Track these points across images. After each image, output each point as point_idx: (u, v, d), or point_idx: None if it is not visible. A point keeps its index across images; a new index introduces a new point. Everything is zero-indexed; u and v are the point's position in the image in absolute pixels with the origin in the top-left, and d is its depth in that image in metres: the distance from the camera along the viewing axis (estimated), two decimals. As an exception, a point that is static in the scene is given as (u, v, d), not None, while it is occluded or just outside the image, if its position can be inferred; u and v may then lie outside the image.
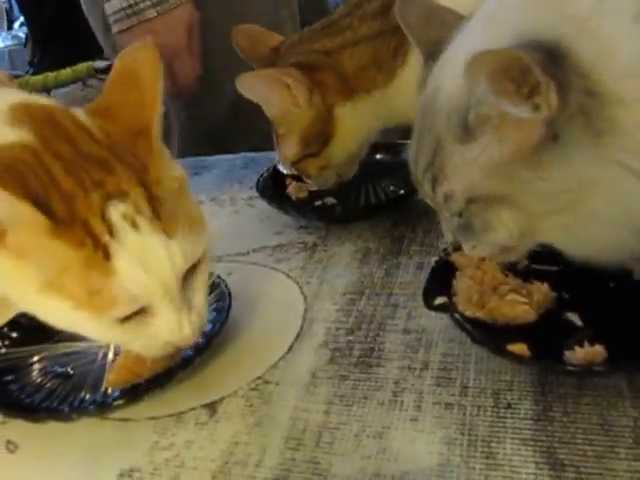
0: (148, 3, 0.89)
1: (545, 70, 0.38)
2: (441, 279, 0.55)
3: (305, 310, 0.62)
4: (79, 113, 0.50)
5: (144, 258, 0.44)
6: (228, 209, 0.88)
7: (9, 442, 0.53)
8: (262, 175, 0.85)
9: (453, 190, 0.46)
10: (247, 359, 0.57)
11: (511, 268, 0.54)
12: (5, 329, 0.60)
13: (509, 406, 0.47)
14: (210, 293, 0.56)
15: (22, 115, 0.47)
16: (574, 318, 0.51)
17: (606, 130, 0.39)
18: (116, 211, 0.44)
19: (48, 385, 0.55)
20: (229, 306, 0.58)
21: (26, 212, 0.42)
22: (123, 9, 0.89)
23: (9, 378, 0.55)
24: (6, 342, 0.59)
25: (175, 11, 0.92)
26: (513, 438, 0.44)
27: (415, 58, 0.65)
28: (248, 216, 0.84)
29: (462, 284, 0.53)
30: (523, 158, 0.41)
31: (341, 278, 0.66)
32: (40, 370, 0.57)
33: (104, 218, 0.43)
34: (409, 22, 0.52)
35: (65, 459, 0.50)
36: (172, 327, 0.47)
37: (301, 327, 0.60)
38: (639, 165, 0.40)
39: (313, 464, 0.45)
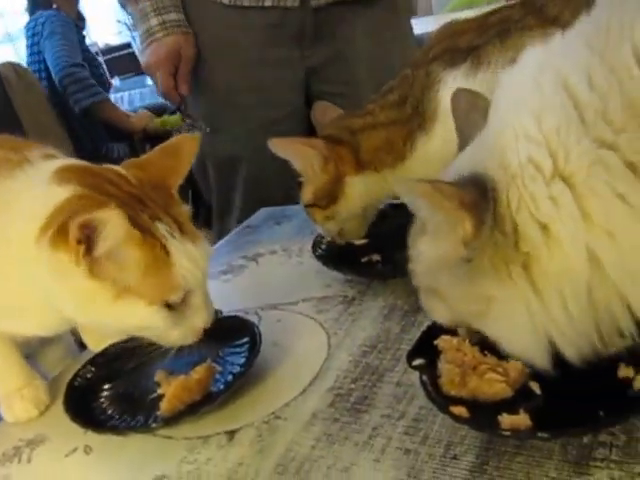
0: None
1: (464, 205, 0.49)
2: (428, 341, 0.65)
3: (325, 358, 0.74)
4: (116, 168, 0.70)
5: (187, 254, 0.64)
6: (295, 259, 1.02)
7: (87, 446, 0.70)
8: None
9: (414, 270, 0.57)
10: (267, 396, 0.70)
11: (489, 347, 0.63)
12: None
13: (455, 457, 0.56)
14: (243, 337, 0.72)
15: (66, 175, 0.66)
16: (534, 387, 0.59)
17: (515, 264, 0.50)
18: (160, 226, 0.63)
19: (113, 406, 0.72)
20: (257, 351, 0.71)
21: (127, 229, 0.60)
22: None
23: (89, 398, 0.73)
24: (92, 368, 0.77)
25: (165, 39, 1.24)
26: (447, 484, 0.54)
27: (422, 146, 0.77)
28: (309, 268, 0.97)
29: (444, 367, 0.61)
30: (447, 266, 0.52)
31: (364, 331, 0.78)
32: (111, 394, 0.74)
33: (156, 230, 0.63)
34: (457, 113, 0.62)
35: (120, 462, 0.67)
36: (203, 311, 0.67)
37: (317, 373, 0.72)
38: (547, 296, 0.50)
39: (290, 487, 0.57)
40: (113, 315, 0.63)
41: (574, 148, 0.48)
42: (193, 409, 0.66)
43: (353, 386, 0.68)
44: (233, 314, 0.82)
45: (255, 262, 1.05)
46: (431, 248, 0.53)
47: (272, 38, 1.26)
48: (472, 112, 0.60)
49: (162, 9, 1.24)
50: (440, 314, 0.58)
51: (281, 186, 1.24)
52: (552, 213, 0.49)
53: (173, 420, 0.66)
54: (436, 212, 0.52)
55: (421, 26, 1.68)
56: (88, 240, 0.59)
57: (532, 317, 0.52)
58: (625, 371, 0.56)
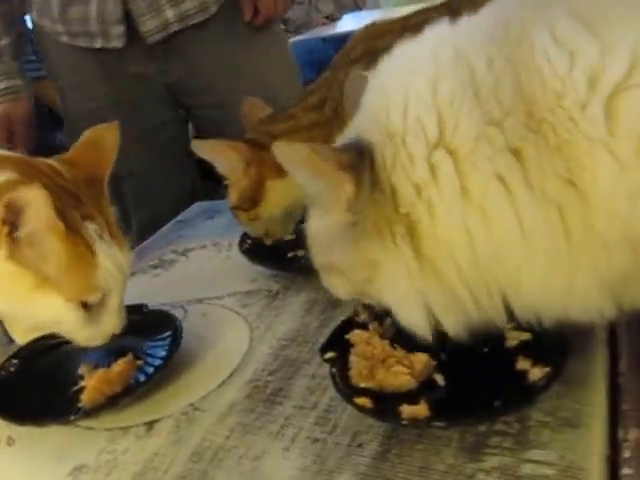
0: None
1: (344, 167, 0.51)
2: (341, 335, 0.68)
3: (246, 351, 0.77)
4: (52, 161, 0.70)
5: (112, 258, 0.65)
6: (224, 254, 1.04)
7: (9, 438, 0.71)
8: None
9: (313, 252, 0.61)
10: (187, 388, 0.72)
11: (399, 340, 0.65)
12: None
13: (360, 445, 0.59)
14: (166, 331, 0.73)
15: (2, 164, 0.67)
16: (439, 379, 0.63)
17: (394, 222, 0.52)
18: (91, 227, 0.64)
19: (36, 399, 0.73)
20: (178, 345, 0.73)
21: (49, 215, 0.60)
22: None
23: (12, 390, 0.74)
24: (16, 361, 0.78)
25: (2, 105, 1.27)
26: (351, 471, 0.57)
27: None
28: (237, 262, 0.99)
29: (354, 360, 0.63)
30: (336, 235, 0.54)
31: (284, 325, 0.81)
32: (34, 387, 0.75)
33: (85, 230, 0.63)
34: (352, 98, 0.63)
35: (42, 453, 0.68)
36: (116, 316, 0.67)
37: (238, 365, 0.74)
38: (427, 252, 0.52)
39: (203, 474, 0.60)
40: (29, 305, 0.64)
41: (464, 119, 0.49)
42: (113, 401, 0.68)
43: (270, 378, 0.71)
44: (158, 308, 0.83)
45: (185, 257, 1.07)
46: (320, 221, 0.56)
47: (124, 61, 1.31)
48: None
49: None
50: (340, 289, 0.60)
51: (171, 195, 1.33)
52: (428, 177, 0.50)
53: (93, 412, 0.67)
54: (316, 177, 0.53)
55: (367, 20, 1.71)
56: (12, 221, 0.61)
57: (413, 282, 0.53)
58: (523, 363, 0.60)
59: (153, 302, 0.88)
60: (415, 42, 0.56)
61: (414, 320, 0.56)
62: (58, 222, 0.62)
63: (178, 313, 0.85)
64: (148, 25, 1.25)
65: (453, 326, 0.56)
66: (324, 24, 3.96)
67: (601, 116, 0.45)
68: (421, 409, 0.57)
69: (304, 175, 0.55)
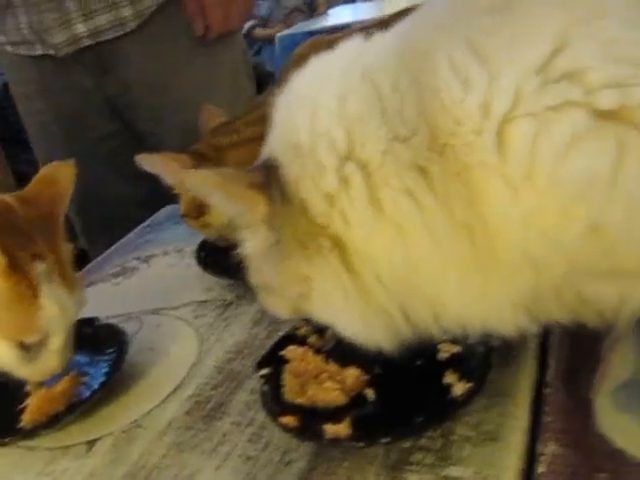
0: None
1: (253, 186, 0.52)
2: (279, 350, 0.69)
3: (193, 365, 0.77)
4: (6, 197, 0.70)
5: (58, 301, 0.64)
6: (186, 261, 1.05)
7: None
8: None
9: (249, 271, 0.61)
10: (132, 404, 0.73)
11: (334, 354, 0.66)
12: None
13: (289, 463, 0.60)
14: (113, 347, 0.75)
15: None
16: (370, 393, 0.63)
17: (317, 235, 0.52)
18: (39, 268, 0.63)
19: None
20: (121, 362, 0.74)
21: None
22: None
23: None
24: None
25: None
26: (277, 489, 0.58)
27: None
28: (197, 270, 0.99)
29: (287, 376, 0.64)
30: (263, 254, 0.55)
31: (232, 337, 0.81)
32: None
33: (33, 271, 0.63)
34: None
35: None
36: (55, 358, 0.67)
37: (182, 380, 0.75)
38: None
39: (135, 494, 0.61)
40: None
41: (372, 134, 0.49)
42: (53, 421, 0.68)
43: (213, 393, 0.72)
44: (108, 322, 0.84)
45: (147, 264, 1.08)
46: (249, 242, 0.57)
47: (61, 74, 1.31)
48: None
49: None
50: (278, 308, 0.60)
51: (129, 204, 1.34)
52: (339, 188, 0.50)
53: (31, 433, 0.68)
54: (230, 201, 0.54)
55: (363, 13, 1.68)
56: None
57: (347, 297, 0.53)
58: (450, 377, 0.61)
59: (110, 313, 0.89)
60: (326, 58, 0.57)
61: (353, 333, 0.56)
62: (1, 258, 0.62)
63: (133, 325, 0.87)
64: (57, 38, 1.24)
65: (388, 341, 0.56)
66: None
67: (493, 144, 0.45)
68: (343, 428, 0.57)
69: (219, 200, 0.55)
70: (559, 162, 0.43)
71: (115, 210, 1.38)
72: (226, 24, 1.29)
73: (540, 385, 0.61)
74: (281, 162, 0.53)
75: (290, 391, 0.64)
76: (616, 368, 0.59)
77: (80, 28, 1.23)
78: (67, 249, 0.71)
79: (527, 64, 0.44)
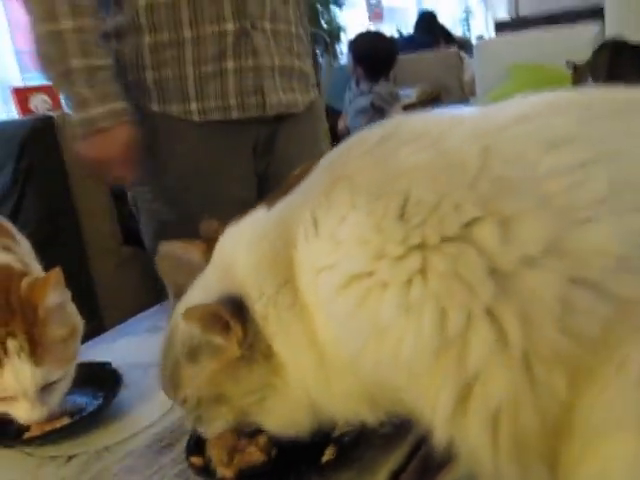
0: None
1: (232, 314, 0.65)
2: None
3: (167, 411, 0.97)
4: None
5: (18, 374, 0.84)
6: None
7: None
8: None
9: (186, 394, 0.72)
10: (108, 433, 0.93)
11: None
12: None
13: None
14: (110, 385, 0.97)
15: None
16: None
17: (265, 353, 0.67)
18: (11, 343, 0.85)
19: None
20: (111, 399, 0.96)
21: None
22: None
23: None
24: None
25: (114, 130, 1.21)
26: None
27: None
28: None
29: (212, 453, 0.75)
30: (226, 371, 0.68)
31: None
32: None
33: (5, 345, 0.84)
34: (163, 270, 0.81)
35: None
36: (24, 412, 0.86)
37: (153, 422, 0.94)
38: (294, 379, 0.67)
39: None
40: None
41: (263, 283, 0.66)
42: (47, 436, 0.90)
43: (169, 435, 0.91)
44: (114, 368, 1.05)
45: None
46: (209, 365, 0.68)
47: (232, 154, 1.39)
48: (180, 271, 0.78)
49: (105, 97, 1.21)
50: (219, 421, 0.72)
51: None
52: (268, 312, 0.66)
53: (29, 442, 0.90)
54: (208, 330, 0.66)
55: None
56: None
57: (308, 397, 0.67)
58: (330, 450, 0.75)
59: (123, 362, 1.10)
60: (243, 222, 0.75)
61: (283, 431, 0.71)
62: None
63: (137, 373, 1.07)
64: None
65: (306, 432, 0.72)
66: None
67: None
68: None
69: (195, 329, 0.68)
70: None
71: None
72: None
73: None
74: (246, 300, 0.67)
75: (219, 463, 0.74)
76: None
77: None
78: (62, 326, 0.88)
79: None
